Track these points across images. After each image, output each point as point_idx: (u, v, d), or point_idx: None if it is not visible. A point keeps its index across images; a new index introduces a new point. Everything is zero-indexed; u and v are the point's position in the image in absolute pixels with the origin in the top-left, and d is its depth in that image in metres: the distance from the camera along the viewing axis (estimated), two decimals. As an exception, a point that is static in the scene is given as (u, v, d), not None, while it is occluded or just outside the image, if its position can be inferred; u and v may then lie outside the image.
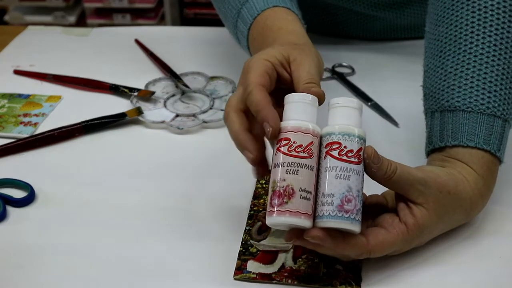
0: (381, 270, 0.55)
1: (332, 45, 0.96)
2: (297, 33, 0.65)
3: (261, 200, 0.64)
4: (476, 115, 0.59)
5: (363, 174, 0.52)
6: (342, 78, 0.88)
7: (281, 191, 0.50)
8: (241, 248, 0.58)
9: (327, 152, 0.51)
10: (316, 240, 0.50)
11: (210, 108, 0.81)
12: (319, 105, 0.54)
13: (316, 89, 0.54)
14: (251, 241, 0.59)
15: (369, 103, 0.82)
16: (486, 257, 0.57)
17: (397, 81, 0.87)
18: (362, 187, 0.51)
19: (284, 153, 0.51)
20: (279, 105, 0.55)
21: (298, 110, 0.52)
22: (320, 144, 0.52)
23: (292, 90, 0.55)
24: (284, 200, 0.50)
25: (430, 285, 0.55)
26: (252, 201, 0.65)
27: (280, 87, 0.58)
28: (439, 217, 0.55)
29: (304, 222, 0.50)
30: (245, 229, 0.61)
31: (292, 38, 0.63)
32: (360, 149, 0.51)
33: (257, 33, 0.68)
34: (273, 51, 0.58)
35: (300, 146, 0.50)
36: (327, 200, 0.50)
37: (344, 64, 0.92)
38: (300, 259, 0.57)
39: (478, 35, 0.61)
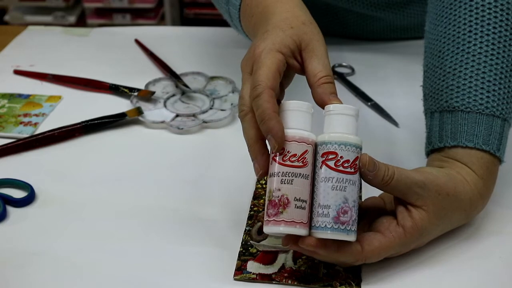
0: (381, 271, 0.55)
1: (332, 45, 0.95)
2: (295, 2, 0.60)
3: (261, 201, 0.64)
4: (475, 115, 0.59)
5: (360, 183, 0.52)
6: (342, 78, 0.88)
7: (276, 200, 0.50)
8: (241, 249, 0.58)
9: (323, 162, 0.51)
10: (310, 248, 0.50)
11: (210, 108, 0.81)
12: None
13: (332, 95, 0.53)
14: (251, 241, 0.59)
15: (369, 103, 0.82)
16: (486, 257, 0.57)
17: (397, 81, 0.87)
18: (358, 196, 0.51)
19: (278, 163, 0.51)
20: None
21: (292, 118, 0.52)
22: (316, 151, 0.52)
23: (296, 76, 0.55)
24: (279, 210, 0.50)
25: (430, 286, 0.55)
26: (252, 201, 0.65)
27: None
28: (438, 219, 0.54)
29: (300, 231, 0.50)
30: (245, 229, 0.61)
31: (293, 8, 0.59)
32: (356, 158, 0.51)
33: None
34: (285, 37, 0.55)
35: (295, 155, 0.50)
36: (323, 212, 0.50)
37: (344, 64, 0.92)
38: (300, 260, 0.57)
39: (476, 34, 0.61)
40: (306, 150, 0.51)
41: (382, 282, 0.55)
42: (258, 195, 0.65)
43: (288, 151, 0.50)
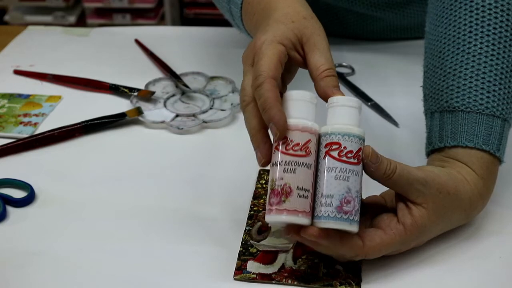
0: (381, 270, 0.55)
1: (332, 45, 0.95)
2: None
3: (261, 200, 0.64)
4: (475, 115, 0.59)
5: (362, 174, 0.52)
6: (342, 78, 0.88)
7: (279, 189, 0.50)
8: (241, 248, 0.58)
9: (326, 152, 0.51)
10: (312, 238, 0.50)
11: (210, 108, 0.81)
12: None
13: (335, 88, 0.53)
14: (251, 241, 0.59)
15: (369, 103, 0.82)
16: (486, 257, 0.57)
17: (397, 81, 0.87)
18: (361, 187, 0.51)
19: (281, 152, 0.51)
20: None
21: (295, 108, 0.52)
22: (319, 142, 0.52)
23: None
24: (282, 199, 0.50)
25: (430, 285, 0.55)
26: (252, 201, 0.65)
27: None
28: (438, 217, 0.55)
29: (302, 220, 0.50)
30: (245, 229, 0.61)
31: (295, 4, 0.59)
32: (359, 150, 0.51)
33: None
34: (286, 30, 0.55)
35: (297, 144, 0.50)
36: (326, 201, 0.50)
37: (344, 64, 0.92)
38: (300, 259, 0.57)
39: (476, 34, 0.61)
40: (309, 140, 0.51)
41: (382, 281, 0.55)
42: (258, 195, 0.65)
43: (291, 140, 0.50)
